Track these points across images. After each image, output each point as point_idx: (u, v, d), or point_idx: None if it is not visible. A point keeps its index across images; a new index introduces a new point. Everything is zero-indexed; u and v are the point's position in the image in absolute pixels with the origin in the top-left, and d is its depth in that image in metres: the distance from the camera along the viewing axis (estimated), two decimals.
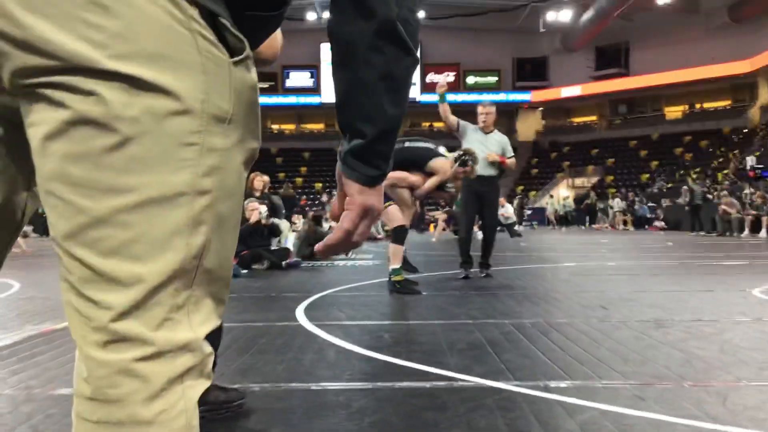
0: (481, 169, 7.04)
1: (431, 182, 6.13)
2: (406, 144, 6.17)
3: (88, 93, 0.73)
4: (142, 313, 0.77)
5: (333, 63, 0.97)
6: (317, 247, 1.05)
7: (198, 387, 0.83)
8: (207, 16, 0.80)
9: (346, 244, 1.01)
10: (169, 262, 0.78)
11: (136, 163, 0.75)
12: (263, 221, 8.82)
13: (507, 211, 22.36)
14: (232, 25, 0.83)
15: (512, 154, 7.37)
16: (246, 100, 0.85)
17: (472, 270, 7.23)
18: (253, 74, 0.87)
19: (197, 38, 0.78)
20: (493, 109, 7.41)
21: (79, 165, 0.75)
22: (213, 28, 0.81)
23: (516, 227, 26.42)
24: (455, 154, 6.36)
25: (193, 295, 0.82)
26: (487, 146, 7.16)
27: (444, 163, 6.19)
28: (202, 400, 0.86)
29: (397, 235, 5.97)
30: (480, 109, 7.36)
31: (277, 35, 2.25)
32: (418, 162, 6.18)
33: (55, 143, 0.75)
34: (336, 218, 1.05)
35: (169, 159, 0.77)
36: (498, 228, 21.64)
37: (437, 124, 46.41)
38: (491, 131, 7.31)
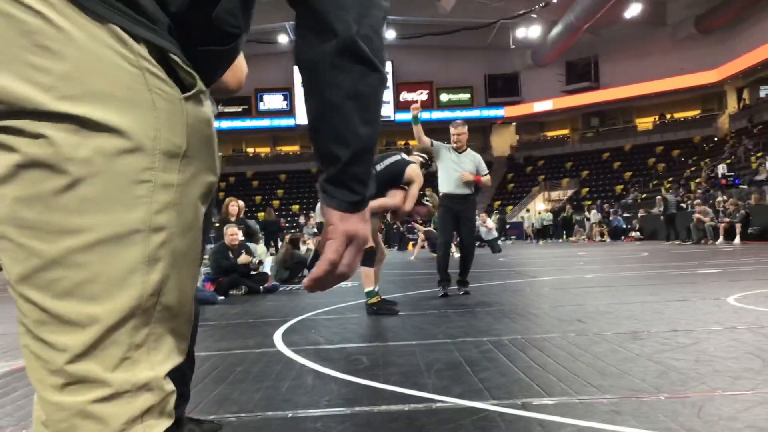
0: (457, 188, 7.17)
1: (413, 192, 6.06)
2: (381, 167, 6.14)
3: (37, 136, 0.73)
4: (99, 354, 0.76)
5: (303, 89, 0.97)
6: (304, 282, 1.02)
7: (159, 426, 0.82)
8: (156, 52, 0.79)
9: (334, 276, 0.99)
10: (125, 300, 0.77)
11: (88, 203, 0.74)
12: (251, 266, 8.78)
13: (489, 225, 22.47)
14: (183, 60, 0.82)
15: (486, 171, 7.44)
16: (200, 135, 0.84)
17: (450, 288, 7.26)
18: (207, 109, 0.86)
19: (146, 75, 0.77)
20: (465, 128, 7.45)
21: (31, 208, 0.74)
22: (163, 64, 0.80)
23: (499, 242, 26.58)
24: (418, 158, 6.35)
25: (153, 332, 0.81)
26: (461, 165, 7.23)
27: (416, 167, 6.18)
28: None
29: (367, 257, 5.95)
30: (452, 129, 7.41)
31: (242, 64, 2.26)
32: (395, 179, 6.14)
33: (5, 187, 0.74)
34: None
35: (122, 197, 0.76)
36: (478, 243, 21.82)
37: (413, 142, 46.61)
38: (464, 150, 7.37)
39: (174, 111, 0.80)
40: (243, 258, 8.64)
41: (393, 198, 6.02)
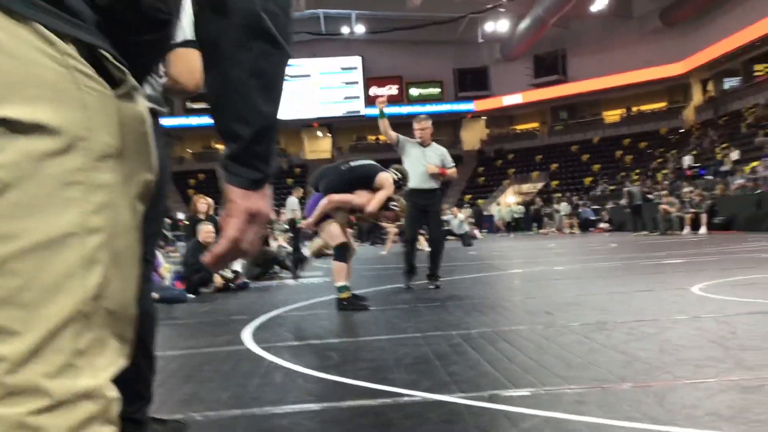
0: (423, 183, 7.23)
1: (379, 197, 6.03)
2: (352, 164, 6.13)
3: None
4: (38, 363, 0.74)
5: (204, 67, 0.95)
6: (205, 257, 1.02)
7: None
8: (84, 49, 0.77)
9: (236, 253, 0.99)
10: (63, 306, 0.75)
11: (18, 208, 0.72)
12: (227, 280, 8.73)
13: (460, 219, 22.61)
14: (114, 56, 0.80)
15: (452, 164, 7.54)
16: (134, 133, 0.82)
17: (414, 281, 7.39)
18: (141, 106, 0.84)
19: (75, 74, 0.75)
20: (429, 123, 7.52)
21: None
22: (93, 61, 0.78)
23: (478, 235, 26.78)
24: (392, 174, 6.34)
25: (96, 338, 0.79)
26: (426, 159, 7.31)
27: (389, 177, 6.15)
28: None
29: (339, 252, 5.94)
30: (415, 125, 7.48)
31: (198, 65, 2.21)
32: (366, 180, 6.10)
33: None
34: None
35: (54, 200, 0.74)
36: (450, 237, 21.94)
37: (383, 138, 46.44)
38: (429, 144, 7.45)
39: (105, 109, 0.78)
40: (218, 280, 8.60)
41: (359, 197, 5.95)
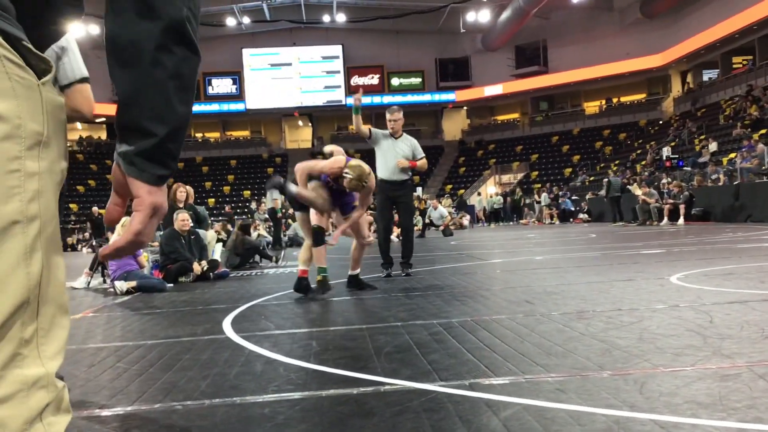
0: (393, 174, 7.49)
1: (330, 160, 6.08)
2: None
3: None
4: None
5: (113, 62, 0.96)
6: (102, 250, 1.05)
7: (60, 423, 0.80)
8: (9, 40, 0.78)
9: (135, 246, 1.02)
10: (12, 295, 0.74)
11: None
12: (203, 272, 8.68)
13: (441, 212, 22.65)
14: (34, 47, 0.81)
15: (422, 155, 7.70)
16: (56, 121, 0.83)
17: (393, 270, 7.60)
18: (59, 94, 0.85)
19: (4, 63, 0.75)
20: (401, 114, 7.66)
21: None
22: (17, 51, 0.78)
23: (465, 223, 26.90)
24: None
25: (40, 327, 0.78)
26: (397, 150, 7.50)
27: (341, 150, 6.37)
28: None
29: (316, 236, 5.96)
30: (388, 116, 7.61)
31: (91, 96, 2.73)
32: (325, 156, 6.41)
33: None
34: (113, 222, 1.06)
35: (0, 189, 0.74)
36: (431, 227, 21.99)
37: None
38: (401, 136, 7.61)
39: (34, 98, 0.78)
40: (196, 268, 8.55)
41: (319, 163, 6.18)
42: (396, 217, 8.11)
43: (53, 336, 0.81)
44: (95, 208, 27.74)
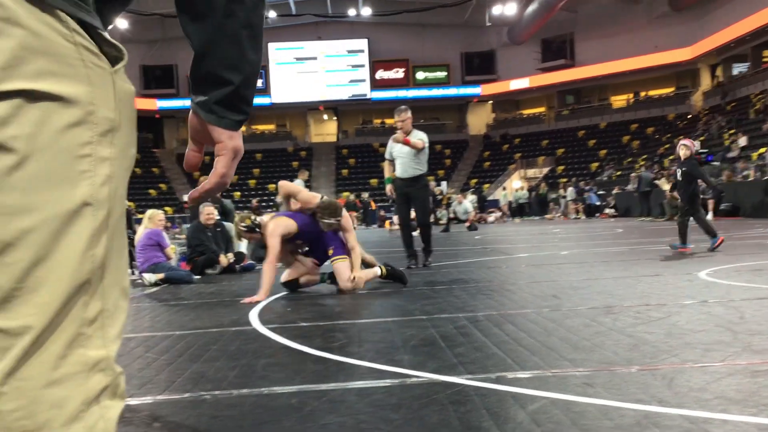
0: (404, 172, 7.95)
1: (311, 194, 6.22)
2: None
3: None
4: (56, 333, 0.75)
5: (186, 19, 0.99)
6: (192, 193, 1.12)
7: (115, 408, 0.81)
8: (85, 28, 0.80)
9: (220, 188, 1.09)
10: (76, 275, 0.76)
11: (37, 180, 0.73)
12: (230, 263, 8.74)
13: (466, 207, 22.60)
14: (108, 35, 0.84)
15: (420, 139, 7.87)
16: (127, 109, 0.85)
17: (415, 262, 7.97)
18: (129, 83, 0.88)
19: (81, 51, 0.77)
20: (408, 114, 7.92)
21: None
22: (93, 39, 0.81)
23: (492, 219, 26.85)
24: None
25: (105, 308, 0.80)
26: (404, 150, 7.88)
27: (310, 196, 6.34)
28: None
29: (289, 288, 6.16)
30: (396, 117, 7.94)
31: None
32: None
33: None
34: (193, 167, 1.11)
35: (69, 172, 0.76)
36: (456, 221, 22.00)
37: (389, 121, 46.48)
38: (410, 132, 7.90)
39: (107, 85, 0.81)
40: (223, 260, 8.61)
41: (305, 194, 6.25)
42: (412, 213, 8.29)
43: (116, 318, 0.83)
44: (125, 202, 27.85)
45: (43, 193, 0.74)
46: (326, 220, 5.80)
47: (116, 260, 0.83)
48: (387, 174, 8.28)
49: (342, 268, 5.83)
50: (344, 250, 5.95)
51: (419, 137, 7.84)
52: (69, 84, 0.75)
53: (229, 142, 1.04)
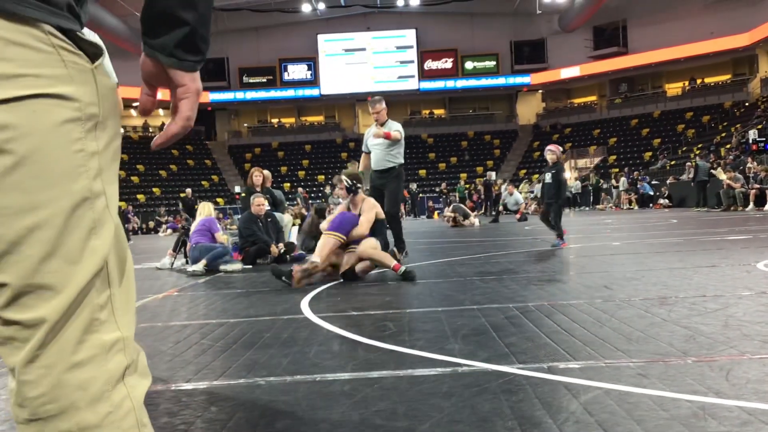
0: (377, 164, 7.98)
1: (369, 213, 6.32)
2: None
3: None
4: (70, 321, 0.79)
5: None
6: (156, 140, 1.07)
7: (141, 386, 0.85)
8: (62, 31, 0.83)
9: (186, 128, 1.06)
10: (87, 266, 0.80)
11: (38, 179, 0.77)
12: (280, 253, 8.86)
13: (517, 198, 22.40)
14: (84, 35, 0.87)
15: (396, 130, 7.86)
16: (109, 102, 0.88)
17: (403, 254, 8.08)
18: (112, 76, 0.92)
19: (60, 51, 0.81)
20: (383, 105, 7.90)
21: None
22: (70, 39, 0.84)
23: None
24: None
25: (113, 293, 0.84)
26: (378, 140, 7.87)
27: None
28: None
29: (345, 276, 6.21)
30: (370, 109, 7.95)
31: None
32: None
33: None
34: (147, 112, 1.08)
35: (66, 168, 0.79)
36: (506, 212, 21.90)
37: (437, 111, 46.33)
38: (385, 122, 7.91)
39: (88, 81, 0.84)
40: (274, 250, 8.71)
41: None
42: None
43: (125, 301, 0.87)
44: (189, 190, 27.13)
45: (45, 191, 0.78)
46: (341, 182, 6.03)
47: (120, 247, 0.87)
48: (362, 167, 8.32)
49: (324, 242, 6.03)
50: (343, 230, 6.09)
51: (396, 128, 7.85)
52: (54, 83, 0.79)
53: (192, 84, 1.02)
